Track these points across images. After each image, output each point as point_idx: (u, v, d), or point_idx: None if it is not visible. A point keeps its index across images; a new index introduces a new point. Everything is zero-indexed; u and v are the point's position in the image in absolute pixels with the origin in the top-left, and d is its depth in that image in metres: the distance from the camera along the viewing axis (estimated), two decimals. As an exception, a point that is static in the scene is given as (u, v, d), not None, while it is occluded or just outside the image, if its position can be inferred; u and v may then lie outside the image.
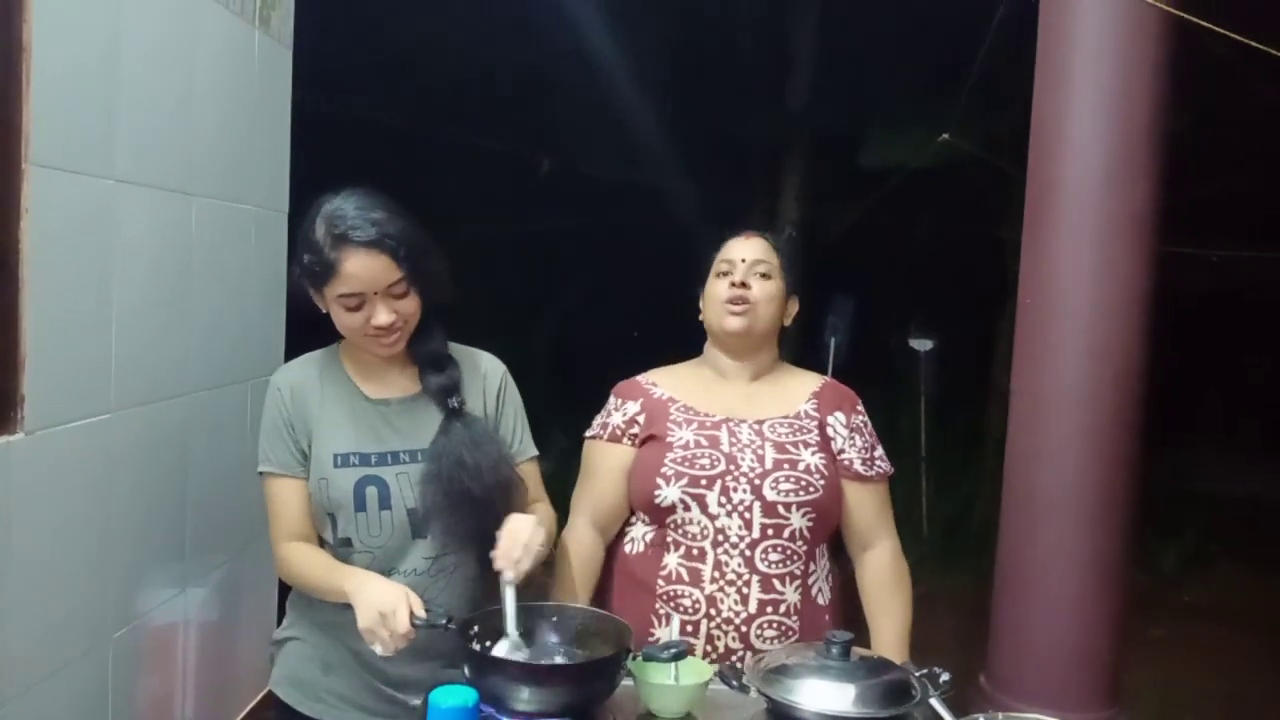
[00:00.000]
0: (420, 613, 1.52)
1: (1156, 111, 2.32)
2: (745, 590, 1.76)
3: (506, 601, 1.54)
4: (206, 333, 2.15)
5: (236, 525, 2.32)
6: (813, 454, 1.83)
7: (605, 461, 1.90)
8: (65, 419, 1.67)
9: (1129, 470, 2.38)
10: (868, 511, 1.89)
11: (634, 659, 1.53)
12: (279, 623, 1.86)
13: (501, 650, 1.50)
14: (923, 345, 6.12)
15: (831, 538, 1.89)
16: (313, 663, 1.73)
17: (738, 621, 1.76)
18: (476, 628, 1.54)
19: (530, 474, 1.81)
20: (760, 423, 1.86)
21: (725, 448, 1.81)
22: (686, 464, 1.80)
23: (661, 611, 1.79)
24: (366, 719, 1.71)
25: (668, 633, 1.78)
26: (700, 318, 1.95)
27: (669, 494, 1.79)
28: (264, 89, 2.43)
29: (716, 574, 1.77)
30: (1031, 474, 2.45)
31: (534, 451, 1.84)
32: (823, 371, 2.06)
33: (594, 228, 6.90)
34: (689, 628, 1.77)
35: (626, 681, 1.53)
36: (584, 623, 1.64)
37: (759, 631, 1.76)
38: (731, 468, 1.79)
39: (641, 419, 1.89)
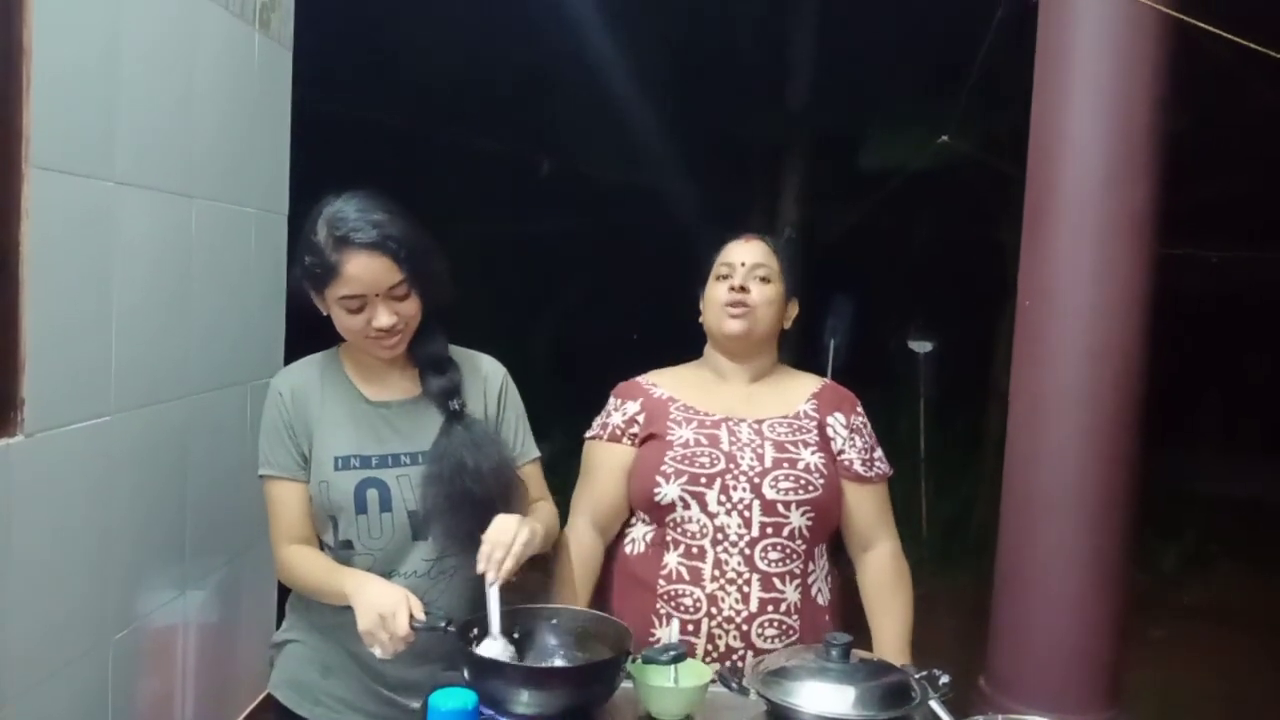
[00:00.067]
0: (420, 615, 1.52)
1: (1156, 112, 2.32)
2: (746, 589, 1.77)
3: (490, 602, 1.54)
4: (206, 335, 2.15)
5: (236, 527, 2.32)
6: (812, 453, 1.83)
7: (605, 461, 1.90)
8: (65, 421, 1.67)
9: (1129, 471, 2.38)
10: (868, 512, 1.89)
11: (633, 661, 1.53)
12: (278, 625, 1.86)
13: (485, 650, 1.50)
14: (922, 347, 6.11)
15: (831, 539, 1.90)
16: (312, 665, 1.73)
17: (739, 620, 1.76)
18: (476, 630, 1.54)
19: (532, 475, 1.82)
20: (760, 422, 1.86)
21: (725, 446, 1.82)
22: (686, 462, 1.80)
23: (662, 611, 1.79)
24: (366, 721, 1.72)
25: (668, 634, 1.78)
26: (700, 320, 1.95)
27: (669, 492, 1.79)
28: (264, 91, 2.44)
29: (717, 572, 1.77)
30: (1031, 475, 2.45)
31: (536, 453, 1.84)
32: (822, 373, 2.07)
33: (594, 228, 6.90)
34: (690, 626, 1.77)
35: (626, 684, 1.54)
36: (583, 625, 1.64)
37: (760, 630, 1.77)
38: (731, 466, 1.79)
39: (641, 419, 1.89)
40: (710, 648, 1.77)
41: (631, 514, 1.90)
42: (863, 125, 6.21)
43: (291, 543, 1.68)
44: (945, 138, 4.70)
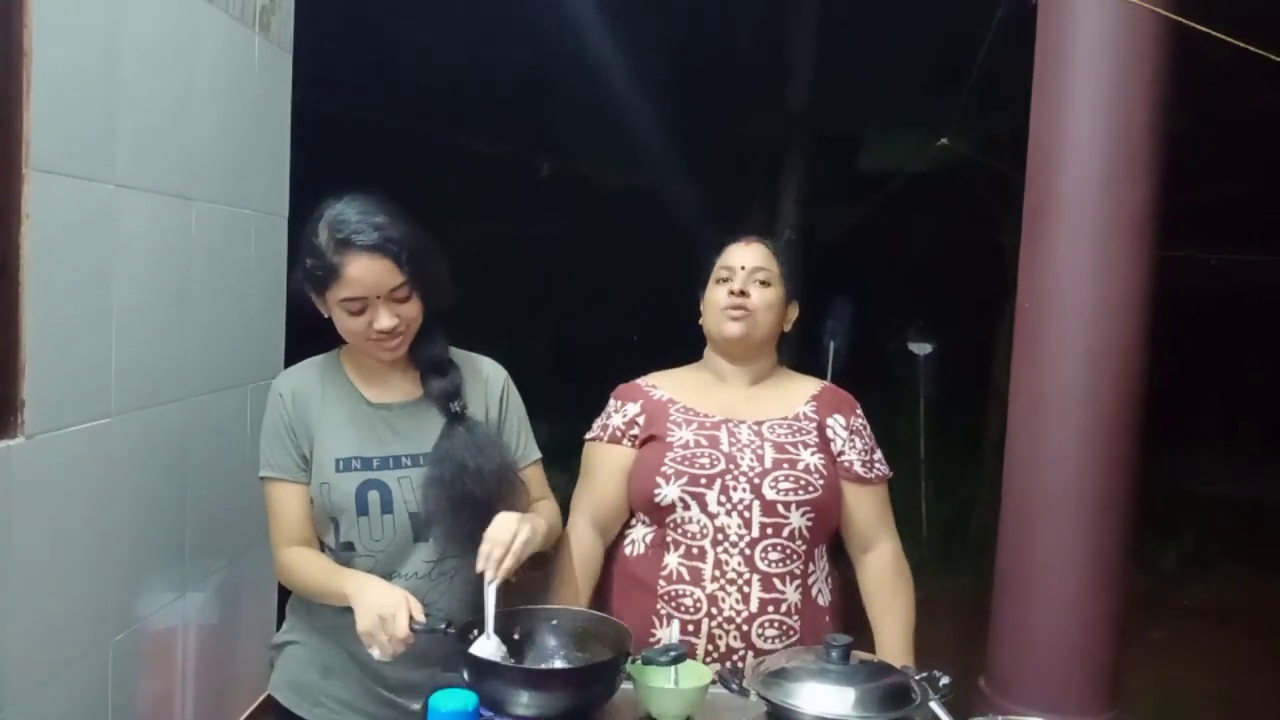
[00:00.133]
0: (420, 617, 1.52)
1: (1156, 113, 2.32)
2: (746, 589, 1.77)
3: (487, 601, 1.54)
4: (206, 336, 2.15)
5: (236, 529, 2.32)
6: (812, 454, 1.83)
7: (605, 462, 1.91)
8: (65, 423, 1.67)
9: (1128, 472, 2.38)
10: (868, 513, 1.89)
11: (633, 662, 1.54)
12: (278, 627, 1.86)
13: (478, 649, 1.50)
14: (922, 349, 6.10)
15: (831, 540, 1.90)
16: (312, 667, 1.73)
17: (739, 620, 1.76)
18: (475, 632, 1.54)
19: (534, 477, 1.83)
20: (760, 423, 1.86)
21: (725, 447, 1.82)
22: (686, 463, 1.81)
23: (663, 612, 1.80)
24: (366, 723, 1.72)
25: (668, 634, 1.78)
26: (700, 322, 1.95)
27: (668, 493, 1.79)
28: (264, 93, 2.44)
29: (717, 573, 1.78)
30: (1031, 476, 2.44)
31: (537, 455, 1.85)
32: (822, 374, 2.07)
33: (594, 229, 6.90)
34: (690, 627, 1.78)
35: (626, 685, 1.54)
36: (583, 626, 1.64)
37: (760, 630, 1.77)
38: (731, 467, 1.80)
39: (641, 420, 1.90)
40: (710, 648, 1.77)
41: (631, 515, 1.91)
42: (863, 126, 6.21)
43: (292, 544, 1.69)
44: (945, 140, 4.70)
